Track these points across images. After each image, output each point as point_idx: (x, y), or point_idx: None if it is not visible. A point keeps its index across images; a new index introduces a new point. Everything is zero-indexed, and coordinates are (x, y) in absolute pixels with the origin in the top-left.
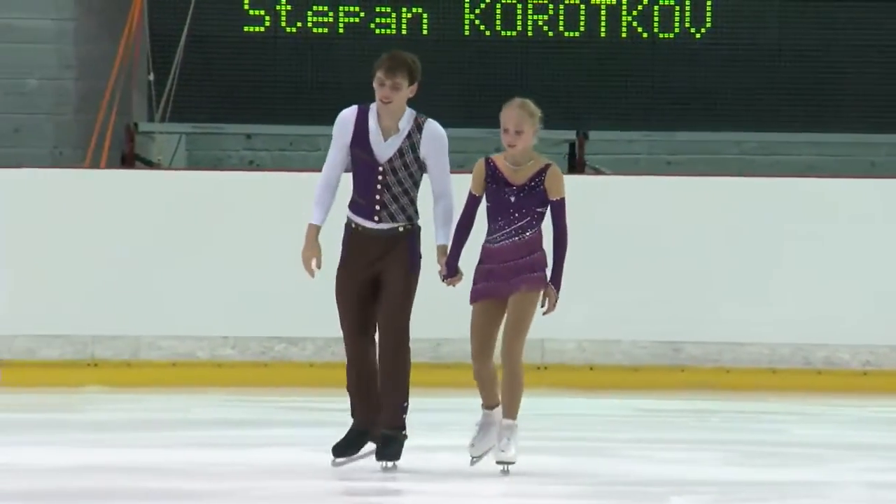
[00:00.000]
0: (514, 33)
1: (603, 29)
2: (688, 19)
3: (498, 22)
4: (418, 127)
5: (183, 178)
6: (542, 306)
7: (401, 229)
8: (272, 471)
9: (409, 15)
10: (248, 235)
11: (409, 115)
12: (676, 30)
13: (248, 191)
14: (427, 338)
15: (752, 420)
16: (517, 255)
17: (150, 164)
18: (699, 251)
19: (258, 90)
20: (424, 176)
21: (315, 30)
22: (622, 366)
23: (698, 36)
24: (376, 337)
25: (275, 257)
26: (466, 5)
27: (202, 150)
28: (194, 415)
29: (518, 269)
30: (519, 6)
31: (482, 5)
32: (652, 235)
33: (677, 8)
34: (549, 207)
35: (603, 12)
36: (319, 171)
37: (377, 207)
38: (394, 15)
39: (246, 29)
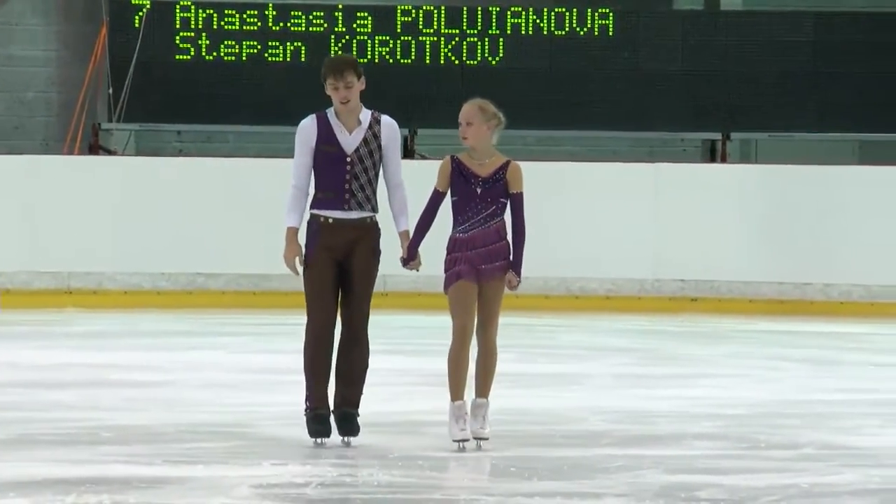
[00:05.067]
0: (365, 60)
1: (427, 57)
2: (486, 50)
3: (354, 51)
4: (376, 120)
5: (133, 162)
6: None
7: (368, 220)
8: (202, 366)
9: (292, 47)
10: (179, 201)
11: (365, 110)
12: (479, 58)
13: (179, 171)
14: None
15: (528, 330)
16: (488, 242)
17: (109, 152)
18: None
19: (186, 99)
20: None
21: (226, 58)
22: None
23: (494, 62)
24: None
25: (197, 214)
26: (332, 39)
27: (146, 143)
28: (142, 327)
29: (490, 255)
30: (368, 41)
31: (343, 40)
32: None
33: (478, 42)
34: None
35: (427, 45)
36: (232, 156)
37: (346, 196)
38: (281, 48)
39: (177, 57)
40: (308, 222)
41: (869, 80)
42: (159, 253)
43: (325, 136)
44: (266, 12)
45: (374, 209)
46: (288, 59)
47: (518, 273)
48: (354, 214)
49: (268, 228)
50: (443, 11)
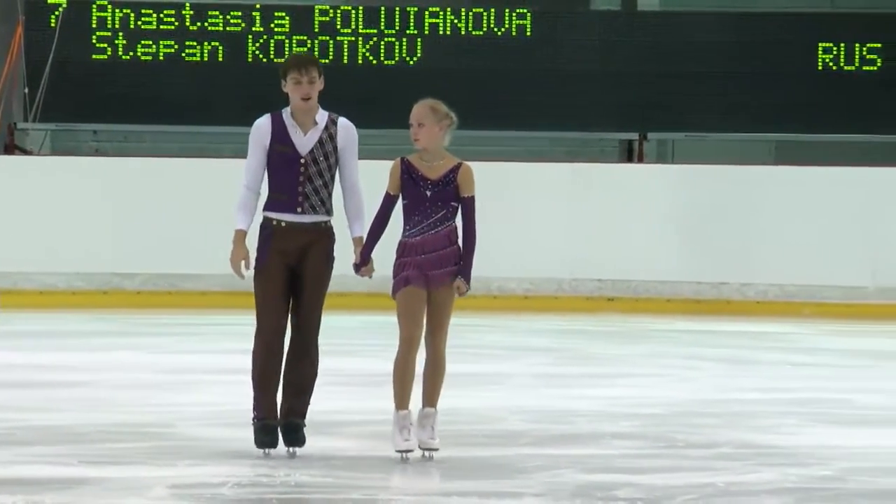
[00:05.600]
0: (282, 60)
1: (345, 57)
2: (404, 50)
3: (271, 51)
4: (333, 121)
5: (48, 161)
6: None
7: (323, 224)
8: (120, 366)
9: (210, 47)
10: (95, 201)
11: (322, 111)
12: (396, 58)
13: (95, 171)
14: None
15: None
16: (437, 247)
17: (25, 152)
18: None
19: (102, 99)
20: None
21: (143, 57)
22: None
23: (412, 62)
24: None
25: (112, 214)
26: (250, 39)
27: (62, 142)
28: (58, 328)
29: (440, 261)
30: (286, 40)
31: (261, 40)
32: None
33: (396, 42)
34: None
35: (345, 45)
36: (148, 155)
37: (300, 199)
38: (198, 47)
39: (94, 56)
40: (261, 225)
41: (785, 81)
42: (74, 253)
43: (280, 135)
44: (183, 12)
45: (329, 213)
46: (205, 59)
47: (467, 280)
48: (308, 218)
49: (184, 228)
50: (361, 11)
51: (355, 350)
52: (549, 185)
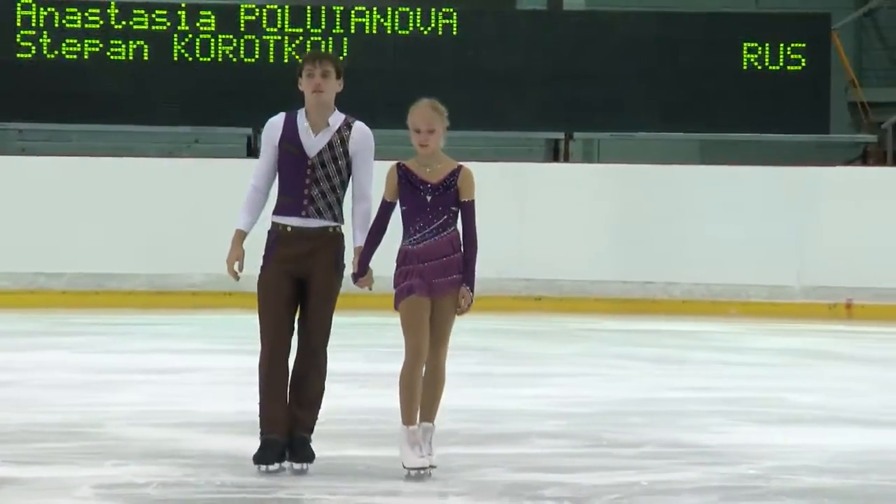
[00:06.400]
0: (208, 59)
1: (271, 56)
2: (330, 49)
3: (197, 50)
4: (348, 125)
5: None
6: (458, 307)
7: (330, 230)
8: (47, 365)
9: (135, 46)
10: (20, 201)
11: (338, 114)
12: None
13: (20, 170)
14: None
15: (379, 329)
16: (440, 254)
17: None
18: None
19: (27, 98)
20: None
21: (68, 56)
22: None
23: None
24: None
25: (38, 214)
26: (175, 38)
27: None
28: None
29: (445, 269)
30: (211, 39)
31: (186, 39)
32: None
33: (322, 41)
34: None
35: (271, 44)
36: (74, 154)
37: (305, 202)
38: (124, 46)
39: (18, 55)
40: (269, 230)
41: (710, 81)
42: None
43: (289, 135)
44: (108, 11)
45: (337, 219)
46: (130, 58)
47: (472, 288)
48: (313, 223)
49: (108, 228)
50: (286, 11)
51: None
52: (476, 184)
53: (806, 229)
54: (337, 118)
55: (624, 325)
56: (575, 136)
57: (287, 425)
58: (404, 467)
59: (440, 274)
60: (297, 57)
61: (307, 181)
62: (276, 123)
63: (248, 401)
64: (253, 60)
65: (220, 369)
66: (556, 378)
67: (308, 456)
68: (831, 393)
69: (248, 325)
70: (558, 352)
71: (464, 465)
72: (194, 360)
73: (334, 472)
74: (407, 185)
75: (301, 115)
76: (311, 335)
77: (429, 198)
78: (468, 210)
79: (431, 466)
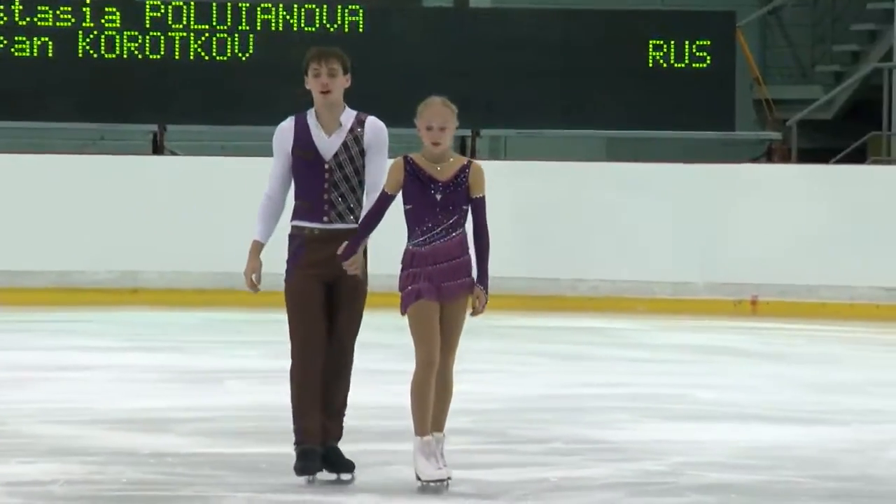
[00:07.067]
0: (113, 56)
1: (177, 53)
2: (237, 46)
3: (102, 47)
4: (360, 122)
5: None
6: (471, 308)
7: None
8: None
9: (39, 42)
10: None
11: (349, 110)
12: (229, 54)
13: None
14: None
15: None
16: (449, 257)
17: None
18: None
19: None
20: None
21: None
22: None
23: (244, 58)
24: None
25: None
26: (80, 34)
27: None
28: None
29: (454, 272)
30: (117, 36)
31: (91, 36)
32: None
33: (228, 38)
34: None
35: (177, 41)
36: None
37: (325, 207)
38: (28, 42)
39: None
40: (290, 236)
41: (616, 78)
42: None
43: (302, 140)
44: (12, 7)
45: (359, 220)
46: (35, 55)
47: (486, 288)
48: (338, 226)
49: (17, 225)
50: (192, 7)
51: (187, 347)
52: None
53: (709, 225)
54: (349, 115)
55: (531, 321)
56: (482, 133)
57: (322, 435)
58: (419, 479)
59: (449, 277)
60: (240, 54)
61: (326, 185)
62: (285, 130)
63: (153, 398)
64: (158, 57)
65: (125, 366)
66: (462, 374)
67: (349, 465)
68: (738, 389)
69: (145, 322)
70: (464, 348)
71: (371, 461)
72: (100, 358)
73: (239, 469)
74: (415, 181)
75: (311, 116)
76: (341, 342)
77: (439, 196)
78: (480, 206)
79: (449, 478)
